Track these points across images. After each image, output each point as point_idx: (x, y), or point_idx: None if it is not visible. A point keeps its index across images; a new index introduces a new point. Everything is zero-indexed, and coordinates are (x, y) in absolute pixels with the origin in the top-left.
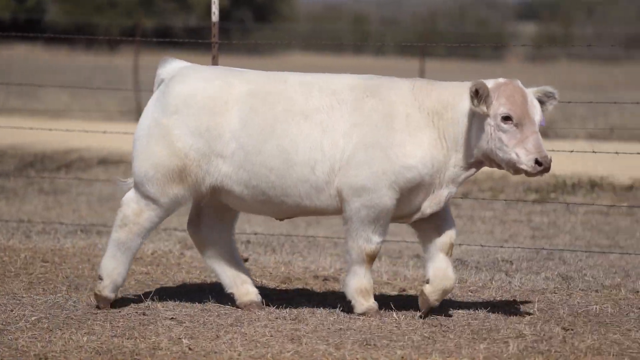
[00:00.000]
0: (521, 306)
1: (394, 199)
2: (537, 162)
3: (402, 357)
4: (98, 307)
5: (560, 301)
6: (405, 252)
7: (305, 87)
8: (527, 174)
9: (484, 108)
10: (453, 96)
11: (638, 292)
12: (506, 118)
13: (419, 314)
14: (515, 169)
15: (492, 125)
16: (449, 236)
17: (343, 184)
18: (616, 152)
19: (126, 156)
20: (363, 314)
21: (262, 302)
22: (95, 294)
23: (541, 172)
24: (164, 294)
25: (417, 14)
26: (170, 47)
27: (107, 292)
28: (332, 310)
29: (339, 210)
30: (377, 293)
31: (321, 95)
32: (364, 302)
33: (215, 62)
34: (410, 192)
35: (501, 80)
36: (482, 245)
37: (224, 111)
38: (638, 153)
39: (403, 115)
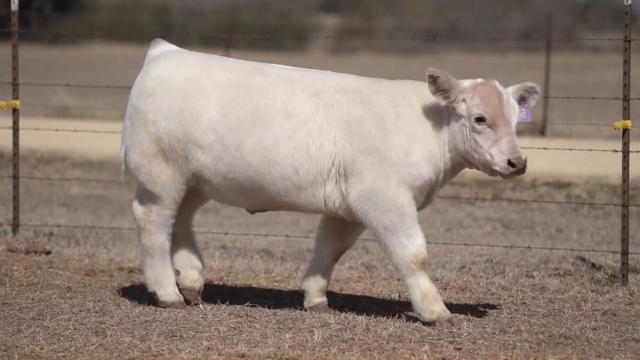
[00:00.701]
0: (326, 296)
1: (409, 197)
2: (509, 163)
3: (209, 348)
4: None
5: (363, 290)
6: (212, 243)
7: (288, 83)
8: (501, 175)
9: (441, 99)
10: (434, 99)
11: (438, 279)
12: (479, 119)
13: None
14: (491, 170)
15: (467, 126)
16: (347, 246)
17: (351, 198)
18: None
19: None
20: (433, 322)
21: (201, 288)
22: (163, 306)
23: (515, 174)
24: None
25: (220, 5)
26: None
27: (166, 298)
28: (137, 302)
29: (319, 210)
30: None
31: (304, 94)
32: (433, 309)
33: (15, 52)
34: (420, 190)
35: (479, 80)
36: (287, 236)
37: (200, 96)
38: None
39: (394, 115)
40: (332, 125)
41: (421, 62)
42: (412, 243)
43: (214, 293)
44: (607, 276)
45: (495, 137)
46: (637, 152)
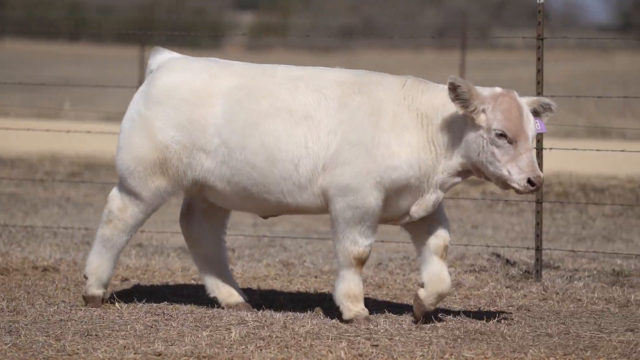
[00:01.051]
0: (244, 293)
1: (380, 200)
2: (529, 181)
3: (125, 347)
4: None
5: (281, 287)
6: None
7: (292, 81)
8: (517, 191)
9: (459, 108)
10: (444, 102)
11: None
12: (500, 135)
13: (412, 318)
14: (505, 186)
15: (485, 138)
16: (442, 238)
17: (328, 184)
18: None
19: None
20: (351, 320)
21: (249, 302)
22: (83, 296)
23: (532, 192)
24: None
25: (135, 1)
26: None
27: (93, 289)
28: (52, 301)
29: (322, 209)
30: None
31: (307, 90)
32: (351, 308)
33: None
34: (397, 193)
35: (498, 90)
36: None
37: (208, 104)
38: None
39: (390, 114)
40: (330, 116)
41: (337, 59)
42: (363, 241)
43: (130, 291)
44: (521, 272)
45: (515, 153)
46: (551, 149)
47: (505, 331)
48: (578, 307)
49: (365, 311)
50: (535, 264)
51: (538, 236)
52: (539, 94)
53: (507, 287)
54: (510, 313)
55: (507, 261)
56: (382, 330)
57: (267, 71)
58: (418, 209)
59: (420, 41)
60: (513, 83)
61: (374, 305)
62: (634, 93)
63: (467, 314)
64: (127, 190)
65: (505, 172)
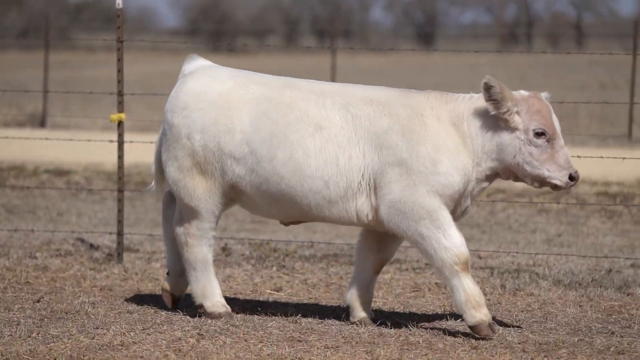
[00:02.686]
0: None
1: (439, 202)
2: (570, 177)
3: None
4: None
5: None
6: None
7: (319, 96)
8: (556, 187)
9: (491, 108)
10: (468, 109)
11: None
12: (540, 134)
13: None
14: (544, 183)
15: (522, 139)
16: (389, 255)
17: (381, 209)
18: None
19: None
20: (475, 326)
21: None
22: (211, 317)
23: (571, 187)
24: None
25: None
26: None
27: (218, 307)
28: None
29: (351, 223)
30: None
31: (334, 107)
32: (475, 314)
33: None
34: (452, 200)
35: (524, 92)
36: None
37: (233, 108)
38: None
39: (421, 126)
40: (360, 137)
41: None
42: (452, 243)
43: None
44: (104, 255)
45: (552, 151)
46: (131, 142)
47: (89, 310)
48: (155, 285)
49: (489, 317)
50: (117, 247)
51: (120, 222)
52: (120, 92)
53: (91, 269)
54: (94, 293)
55: (91, 245)
56: None
57: (294, 84)
58: (455, 214)
59: (5, 42)
60: (94, 81)
61: None
62: None
63: (54, 294)
64: (181, 205)
65: (544, 171)
